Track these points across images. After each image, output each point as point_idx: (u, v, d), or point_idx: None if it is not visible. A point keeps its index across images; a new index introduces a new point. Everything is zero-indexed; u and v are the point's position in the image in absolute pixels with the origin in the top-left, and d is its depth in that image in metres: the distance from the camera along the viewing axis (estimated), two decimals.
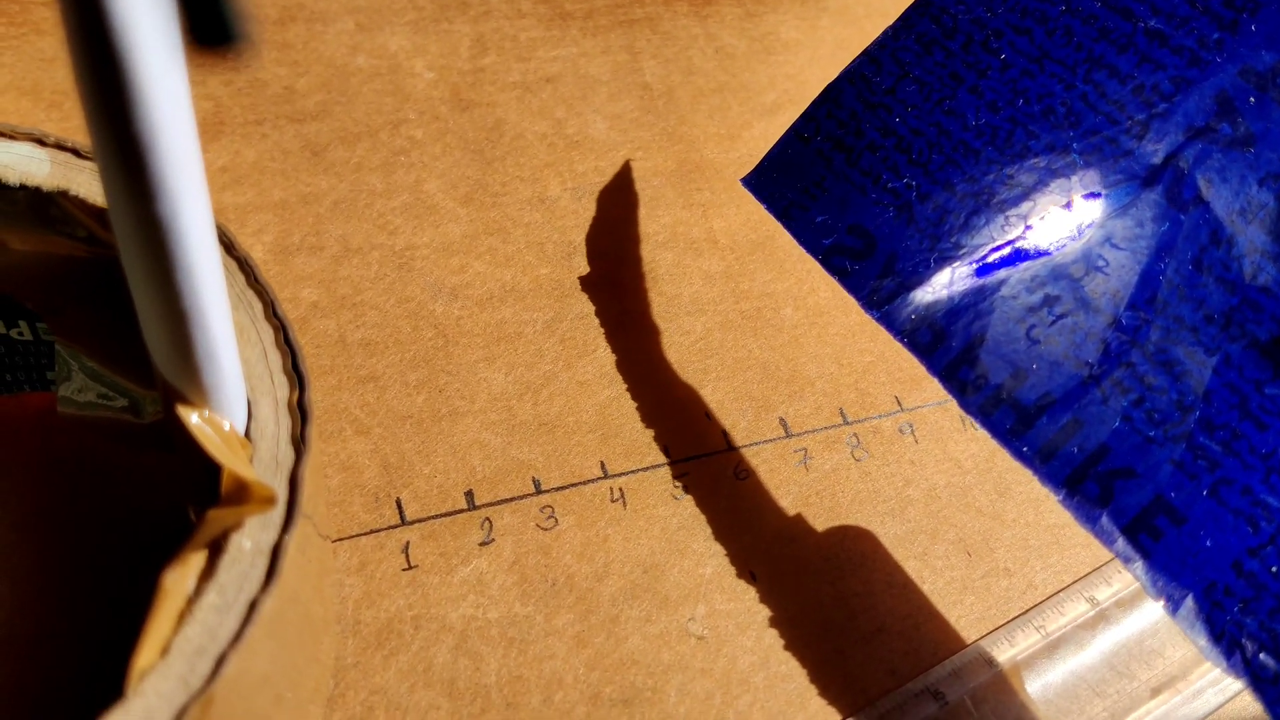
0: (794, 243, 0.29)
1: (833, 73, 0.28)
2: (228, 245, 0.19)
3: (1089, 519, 0.20)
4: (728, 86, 0.32)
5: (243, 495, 0.16)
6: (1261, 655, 0.19)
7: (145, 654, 0.15)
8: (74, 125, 0.28)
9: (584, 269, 0.28)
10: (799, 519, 0.25)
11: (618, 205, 0.29)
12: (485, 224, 0.28)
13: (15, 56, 0.29)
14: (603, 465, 0.25)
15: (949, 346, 0.22)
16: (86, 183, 0.19)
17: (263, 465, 0.16)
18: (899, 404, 0.27)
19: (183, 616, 0.15)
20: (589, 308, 0.27)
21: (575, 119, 0.30)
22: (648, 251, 0.28)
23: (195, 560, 0.15)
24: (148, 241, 0.13)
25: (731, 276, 0.28)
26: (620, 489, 0.24)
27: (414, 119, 0.29)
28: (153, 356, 0.15)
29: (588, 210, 0.29)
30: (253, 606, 0.15)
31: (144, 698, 0.14)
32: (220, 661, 0.15)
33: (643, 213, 0.29)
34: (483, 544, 0.23)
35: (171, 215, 0.13)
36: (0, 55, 0.29)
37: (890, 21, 0.25)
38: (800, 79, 0.32)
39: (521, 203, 0.28)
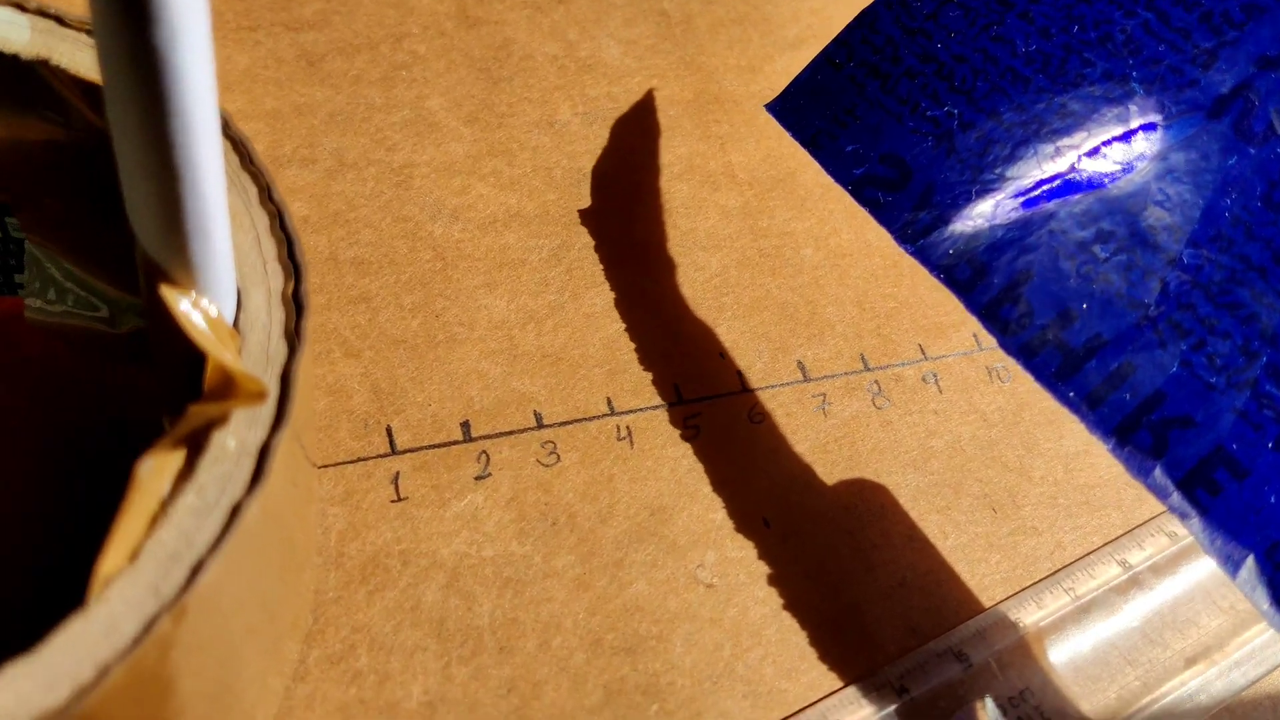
0: (816, 180, 0.27)
1: (862, 7, 0.26)
2: (223, 122, 0.17)
3: (1141, 470, 0.19)
4: (749, 18, 0.30)
5: (229, 390, 0.14)
6: None
7: (112, 558, 0.13)
8: None
9: (594, 198, 0.26)
10: (816, 466, 0.23)
11: (632, 133, 0.27)
12: (490, 145, 0.26)
13: None
14: (609, 401, 0.23)
15: (990, 283, 0.20)
16: (70, 52, 0.17)
17: (252, 359, 0.14)
18: (923, 352, 0.25)
19: (156, 518, 0.13)
20: (599, 238, 0.25)
21: (588, 41, 0.28)
22: (662, 183, 0.27)
23: (173, 457, 0.13)
24: (139, 78, 0.11)
25: (750, 213, 0.26)
26: (627, 427, 0.23)
27: (417, 33, 0.27)
28: (136, 230, 0.14)
29: (599, 137, 0.27)
30: (235, 511, 0.13)
31: (109, 605, 0.12)
32: (197, 569, 0.13)
33: (657, 143, 0.27)
34: (479, 478, 0.22)
35: (168, 43, 0.11)
36: None
37: None
38: (825, 14, 0.30)
39: (529, 125, 0.27)
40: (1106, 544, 0.23)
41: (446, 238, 0.24)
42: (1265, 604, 0.18)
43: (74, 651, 0.12)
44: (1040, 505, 0.23)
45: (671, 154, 0.27)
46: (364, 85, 0.26)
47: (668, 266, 0.25)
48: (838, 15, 0.30)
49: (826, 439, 0.23)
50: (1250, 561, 0.18)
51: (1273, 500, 0.18)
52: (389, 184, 0.25)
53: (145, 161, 0.12)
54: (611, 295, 0.24)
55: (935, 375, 0.25)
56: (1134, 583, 0.22)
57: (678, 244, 0.26)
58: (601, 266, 0.25)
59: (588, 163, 0.26)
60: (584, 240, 0.25)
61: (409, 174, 0.25)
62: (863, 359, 0.25)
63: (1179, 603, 0.22)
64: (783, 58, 0.29)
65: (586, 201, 0.26)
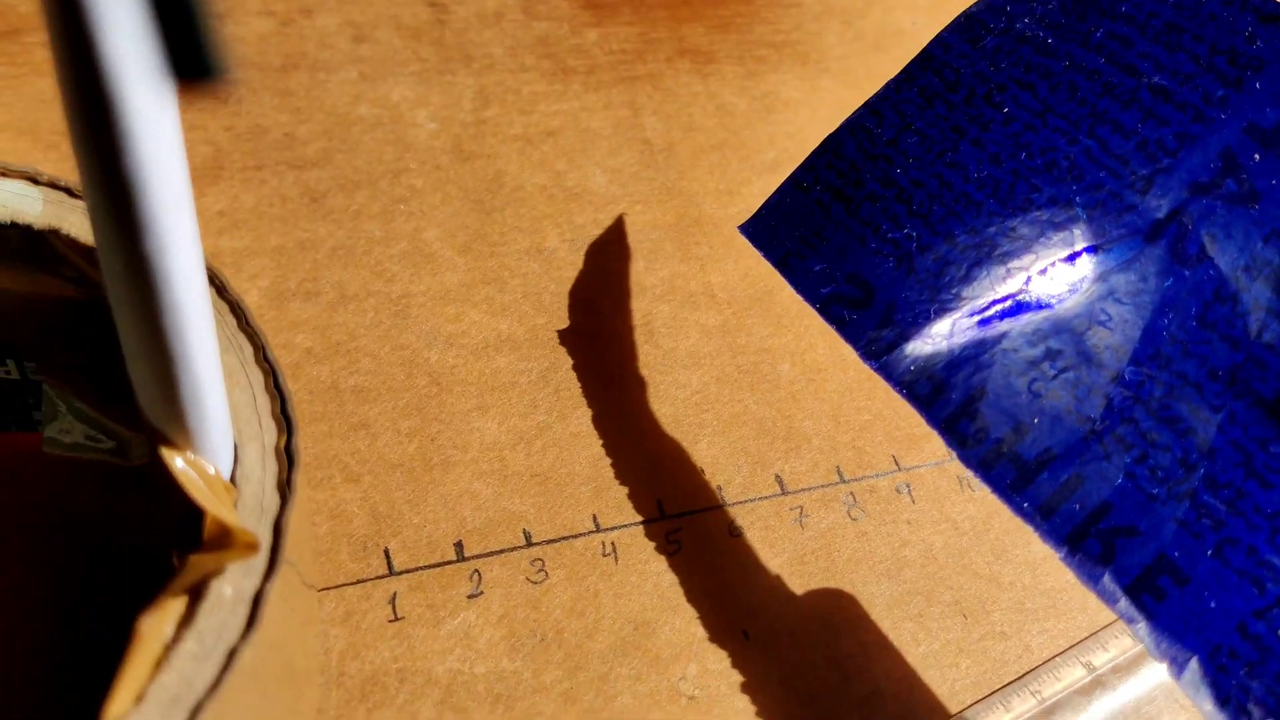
0: (792, 298, 0.28)
1: (831, 129, 0.28)
2: (219, 288, 0.19)
3: (1091, 578, 0.20)
4: (728, 144, 0.32)
5: (225, 541, 0.15)
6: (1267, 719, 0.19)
7: (119, 701, 0.14)
8: (71, 166, 0.27)
9: (581, 320, 0.27)
10: (794, 578, 0.24)
11: (617, 257, 0.29)
12: (483, 273, 0.28)
13: (14, 96, 0.29)
14: (595, 519, 0.24)
15: (949, 399, 0.21)
16: (79, 222, 0.18)
17: (247, 511, 0.16)
18: (896, 463, 0.26)
19: (159, 663, 0.15)
20: (584, 359, 0.27)
21: (575, 171, 0.30)
22: (645, 304, 0.28)
23: (174, 606, 0.15)
24: (134, 279, 0.13)
25: (729, 331, 0.28)
26: (612, 543, 0.24)
27: (415, 168, 0.29)
28: (138, 397, 0.15)
29: (586, 261, 0.28)
30: (231, 655, 0.15)
31: None
32: (196, 711, 0.14)
33: (640, 265, 0.29)
34: (471, 596, 0.23)
35: (159, 252, 0.12)
36: None
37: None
38: (800, 137, 0.32)
39: (519, 253, 0.28)
40: (1072, 646, 0.24)
41: (441, 363, 0.26)
42: (1208, 705, 0.19)
43: None
44: (1009, 610, 0.24)
45: (654, 275, 0.29)
46: (364, 219, 0.28)
47: (650, 384, 0.27)
48: (812, 138, 0.32)
49: (804, 550, 0.25)
50: (1194, 663, 0.19)
51: (1213, 605, 0.19)
52: (388, 314, 0.26)
53: (142, 344, 0.14)
54: (596, 414, 0.26)
55: (909, 485, 0.26)
56: (1098, 684, 0.23)
57: (660, 362, 0.27)
58: (587, 386, 0.26)
59: (575, 287, 0.28)
60: (570, 362, 0.27)
61: (406, 304, 0.27)
62: (838, 471, 0.26)
63: (1141, 702, 0.23)
64: (760, 180, 0.31)
65: (573, 324, 0.27)
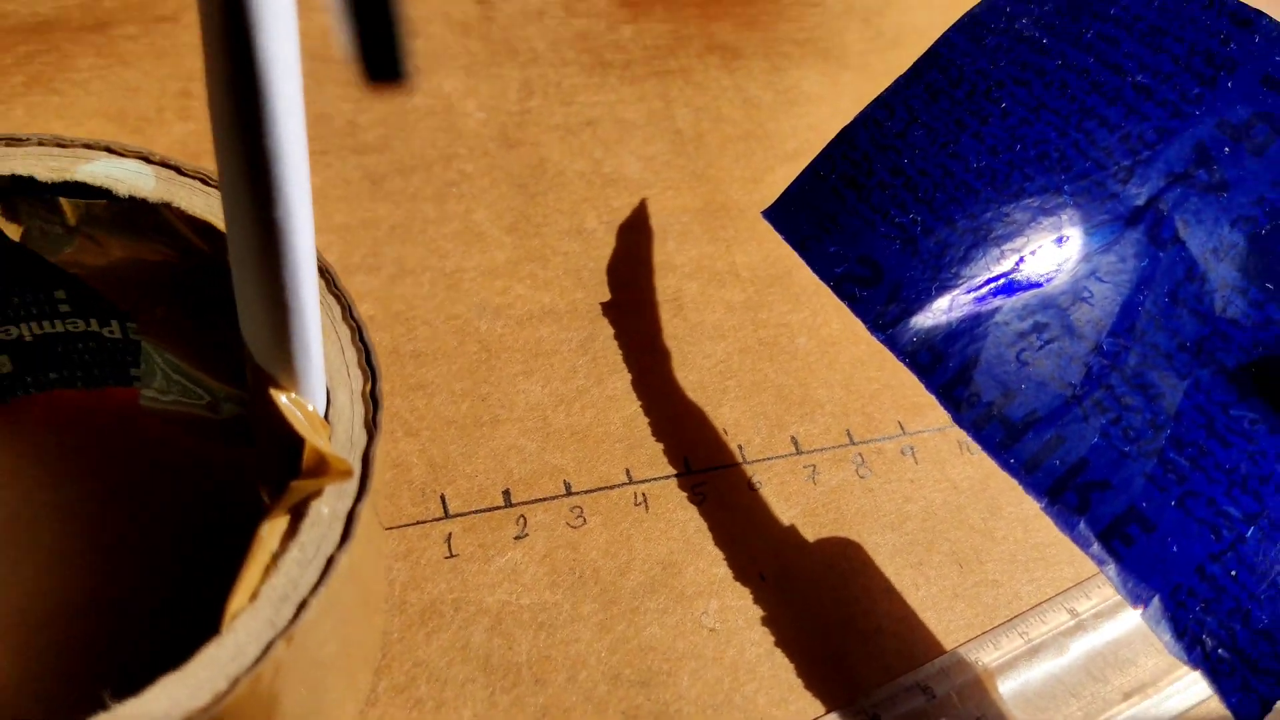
0: (809, 278, 0.31)
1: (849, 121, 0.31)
2: None
3: (1068, 525, 0.22)
4: (753, 134, 0.34)
5: (322, 469, 0.18)
6: (1220, 650, 0.21)
7: (238, 599, 0.17)
8: (157, 147, 0.30)
9: (616, 295, 0.30)
10: (806, 528, 0.27)
11: (647, 238, 0.31)
12: (527, 251, 0.30)
13: (103, 85, 0.31)
14: (628, 472, 0.27)
15: (946, 367, 0.24)
16: (187, 196, 0.21)
17: (339, 444, 0.19)
18: (902, 428, 0.29)
19: (269, 569, 0.17)
20: (619, 330, 0.29)
21: (612, 159, 0.33)
22: (675, 281, 0.31)
23: (280, 522, 0.18)
24: (262, 243, 0.15)
25: (751, 307, 0.30)
26: (643, 494, 0.27)
27: (465, 154, 0.32)
28: (250, 346, 0.18)
29: (622, 242, 0.31)
30: (329, 563, 0.17)
31: (235, 634, 0.17)
32: (301, 607, 0.17)
33: (671, 246, 0.31)
34: (517, 538, 0.26)
35: (285, 219, 0.15)
36: (89, 84, 0.31)
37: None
38: (821, 129, 0.35)
39: (560, 233, 0.31)
40: (1058, 594, 0.27)
41: (490, 332, 0.29)
42: (1168, 636, 0.21)
43: (211, 668, 0.16)
44: (1001, 561, 0.27)
45: (683, 255, 0.31)
46: (420, 201, 0.31)
47: (679, 354, 0.29)
48: (832, 130, 0.34)
49: (815, 504, 0.27)
50: (1157, 601, 0.22)
51: (1175, 550, 0.22)
52: (442, 287, 0.29)
53: (259, 298, 0.16)
54: (630, 379, 0.28)
55: (912, 448, 0.29)
56: (1080, 627, 0.26)
57: (688, 334, 0.30)
58: (621, 354, 0.29)
59: (611, 264, 0.31)
60: (607, 332, 0.29)
61: (459, 278, 0.29)
62: (849, 434, 0.29)
63: (1119, 644, 0.26)
64: (782, 168, 0.33)
65: (609, 299, 0.30)
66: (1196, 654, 0.21)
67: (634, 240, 0.31)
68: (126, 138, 0.30)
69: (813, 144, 0.34)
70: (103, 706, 0.16)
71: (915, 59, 0.35)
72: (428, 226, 0.30)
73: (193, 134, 0.31)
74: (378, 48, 0.08)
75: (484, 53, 0.34)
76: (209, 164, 0.28)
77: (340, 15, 0.09)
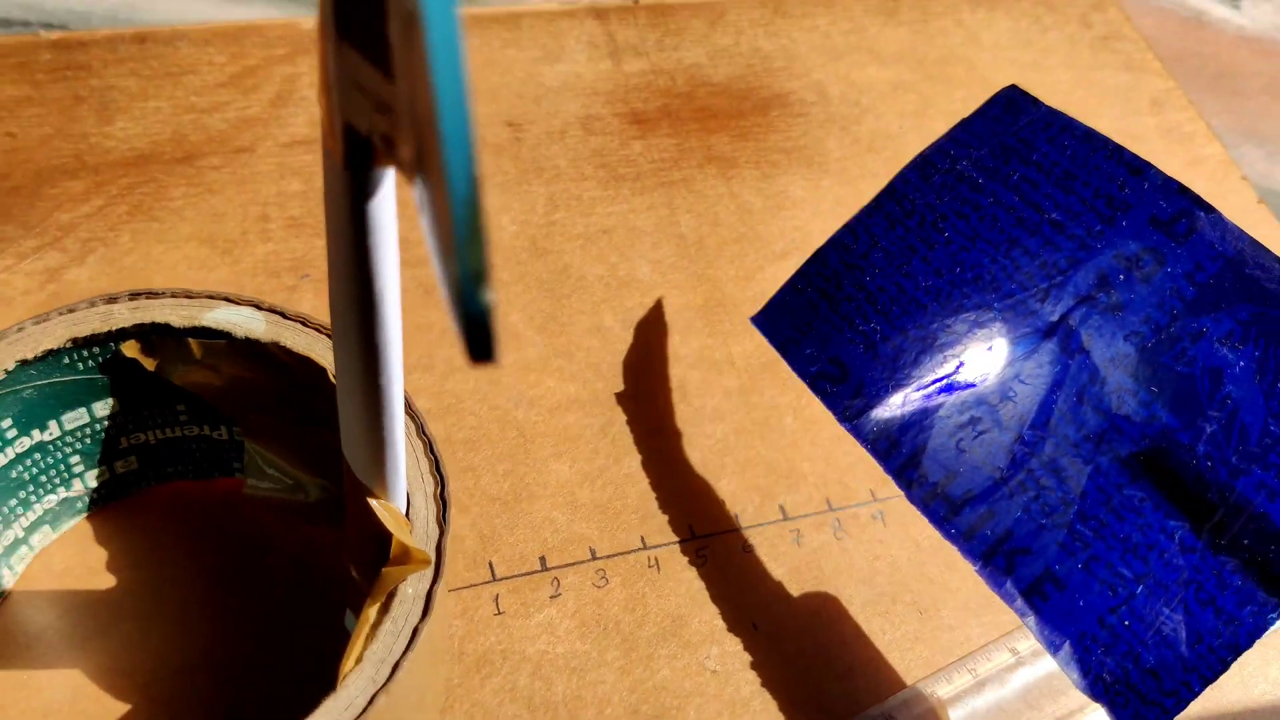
0: None
1: (831, 225, 0.36)
2: None
3: (997, 584, 0.28)
4: (746, 236, 0.40)
5: (406, 558, 0.23)
6: (1117, 686, 0.27)
7: (348, 663, 0.23)
8: (243, 267, 0.36)
9: (630, 384, 0.36)
10: (792, 584, 0.32)
11: (656, 333, 0.37)
12: (555, 348, 0.36)
13: (194, 212, 0.37)
14: (642, 539, 0.32)
15: (900, 452, 0.29)
16: (291, 336, 0.27)
17: (418, 538, 0.24)
18: (873, 495, 0.34)
19: (370, 637, 0.23)
20: (633, 415, 0.35)
21: (625, 263, 0.38)
22: (680, 370, 0.36)
23: (379, 600, 0.23)
24: (369, 395, 0.21)
25: (745, 391, 0.36)
26: (655, 558, 0.32)
27: (501, 264, 0.38)
28: (350, 464, 0.23)
29: (635, 337, 0.37)
30: (415, 632, 0.23)
31: (348, 689, 0.22)
32: (395, 668, 0.22)
33: (676, 339, 0.37)
34: (552, 597, 0.31)
35: (386, 382, 0.21)
36: (182, 211, 0.37)
37: (879, 181, 0.33)
38: (805, 230, 0.40)
39: (583, 331, 0.37)
40: (1002, 636, 0.32)
41: (526, 420, 0.34)
42: (1075, 675, 0.27)
43: (331, 715, 0.22)
44: (955, 609, 0.32)
45: (687, 347, 0.37)
46: None
47: (684, 435, 0.35)
48: (814, 230, 0.40)
49: (799, 563, 0.33)
50: (1067, 646, 0.27)
51: (1081, 604, 0.27)
52: (485, 382, 0.35)
53: (364, 430, 0.22)
54: (642, 459, 0.34)
55: (882, 513, 0.34)
56: (1020, 663, 0.31)
57: (692, 417, 0.35)
58: (634, 436, 0.34)
59: (626, 358, 0.36)
60: (623, 418, 0.35)
61: (498, 374, 0.35)
62: (828, 502, 0.34)
63: (1052, 677, 0.31)
64: (772, 267, 0.39)
65: (624, 388, 0.35)
66: (1099, 689, 0.27)
67: (646, 335, 0.37)
68: (217, 259, 0.36)
69: (798, 244, 0.40)
70: None
71: (888, 161, 0.41)
72: None
73: (272, 254, 0.36)
74: (478, 341, 0.13)
75: (515, 171, 0.40)
76: (289, 279, 0.34)
77: (450, 311, 0.15)
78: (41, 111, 0.38)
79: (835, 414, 0.30)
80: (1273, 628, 0.26)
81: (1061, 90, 0.47)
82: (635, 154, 0.41)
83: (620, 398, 0.35)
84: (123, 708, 0.28)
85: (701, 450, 0.35)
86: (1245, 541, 0.27)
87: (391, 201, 0.18)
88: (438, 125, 0.12)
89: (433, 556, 0.24)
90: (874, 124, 0.44)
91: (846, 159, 0.43)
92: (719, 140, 0.42)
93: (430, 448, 0.26)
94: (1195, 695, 0.26)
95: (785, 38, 0.46)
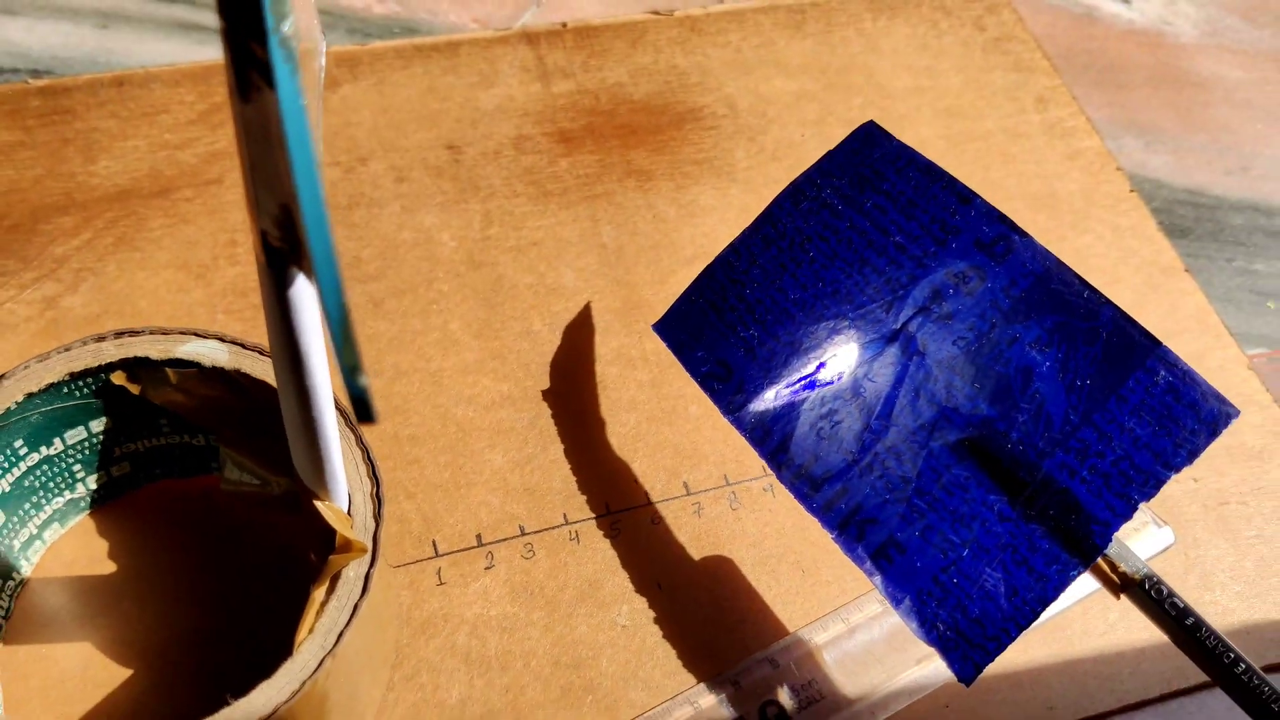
0: None
1: (735, 230, 0.41)
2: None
3: (850, 549, 0.33)
4: (660, 244, 0.45)
5: (347, 547, 0.29)
6: (948, 633, 0.32)
7: (301, 633, 0.28)
8: (215, 289, 0.41)
9: (557, 382, 0.41)
10: (693, 549, 0.38)
11: (581, 335, 0.42)
12: (490, 351, 0.41)
13: (171, 240, 0.42)
14: (565, 516, 0.38)
15: (772, 439, 0.35)
16: (250, 364, 0.32)
17: (358, 530, 0.30)
18: (764, 471, 0.40)
19: (319, 612, 0.29)
20: (558, 409, 0.40)
21: (553, 272, 0.44)
22: (600, 367, 0.42)
23: (325, 583, 0.29)
24: (307, 425, 0.27)
25: (656, 384, 0.41)
26: (576, 531, 0.38)
27: (442, 276, 0.43)
28: (299, 472, 0.29)
29: (561, 339, 0.42)
30: (355, 607, 0.29)
31: (301, 654, 0.28)
32: (340, 636, 0.28)
33: (598, 339, 0.42)
34: (487, 568, 0.37)
35: (319, 414, 0.26)
36: (161, 240, 0.42)
37: (779, 188, 0.38)
38: (714, 235, 0.45)
39: (515, 335, 0.42)
40: (871, 590, 0.38)
41: (465, 417, 0.40)
42: (914, 624, 0.32)
43: (288, 676, 0.27)
44: (833, 567, 0.38)
45: (606, 346, 0.42)
46: (409, 317, 0.42)
47: (602, 424, 0.40)
48: (721, 235, 0.45)
49: (700, 532, 0.38)
50: (907, 600, 0.33)
51: (918, 565, 0.33)
52: (428, 384, 0.40)
53: (304, 447, 0.28)
54: (567, 446, 0.40)
55: (771, 486, 0.40)
56: (886, 612, 0.37)
57: (609, 408, 0.41)
58: (560, 428, 0.40)
59: (554, 358, 0.42)
60: (549, 411, 0.40)
61: (440, 376, 0.41)
62: (725, 478, 0.40)
63: None
64: (683, 270, 0.44)
65: (552, 385, 0.41)
66: (934, 635, 0.32)
67: (571, 337, 0.42)
68: (192, 283, 0.41)
69: (706, 249, 0.45)
70: (224, 704, 0.27)
71: (790, 169, 0.46)
72: (415, 337, 0.41)
73: (240, 275, 0.42)
74: (362, 410, 0.19)
75: (454, 191, 0.45)
76: (255, 299, 0.40)
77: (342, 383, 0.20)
78: (33, 154, 0.43)
79: (720, 408, 0.36)
80: (1073, 583, 0.32)
81: (952, 93, 0.52)
82: (562, 170, 0.47)
83: (547, 394, 0.41)
84: (126, 673, 0.33)
85: (617, 436, 0.40)
86: (1051, 512, 0.32)
87: (308, 288, 0.23)
88: (314, 275, 0.17)
89: (370, 545, 0.30)
90: (779, 134, 0.49)
91: (752, 168, 0.48)
92: (638, 155, 0.47)
93: (367, 455, 0.31)
94: (1012, 639, 0.32)
95: (700, 54, 0.51)
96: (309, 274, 0.20)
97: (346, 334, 0.18)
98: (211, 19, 0.51)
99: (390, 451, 0.39)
